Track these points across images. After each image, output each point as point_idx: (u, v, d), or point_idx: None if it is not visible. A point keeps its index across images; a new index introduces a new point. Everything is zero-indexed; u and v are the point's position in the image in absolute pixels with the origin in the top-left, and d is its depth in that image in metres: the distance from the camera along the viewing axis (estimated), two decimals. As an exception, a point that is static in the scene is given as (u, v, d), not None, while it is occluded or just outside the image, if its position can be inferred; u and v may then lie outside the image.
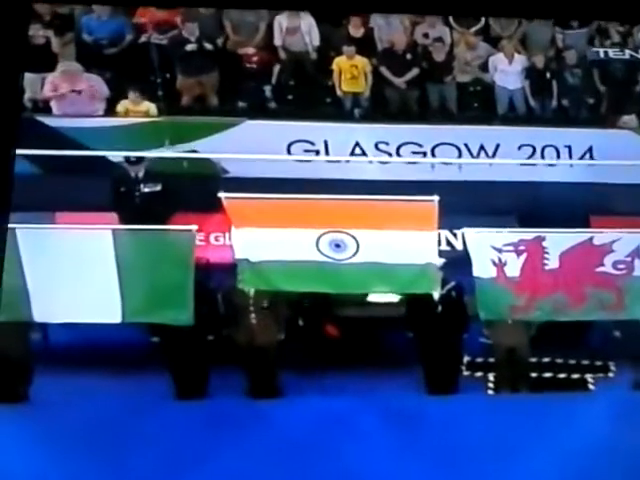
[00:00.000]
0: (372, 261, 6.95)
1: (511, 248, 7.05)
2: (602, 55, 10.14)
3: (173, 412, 6.68)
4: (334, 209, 7.00)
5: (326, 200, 6.99)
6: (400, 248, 6.92)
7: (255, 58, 9.34)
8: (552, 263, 7.04)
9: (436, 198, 7.02)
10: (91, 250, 6.66)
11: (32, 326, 6.85)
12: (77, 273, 6.62)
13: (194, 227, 6.85)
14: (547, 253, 7.04)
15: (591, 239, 7.09)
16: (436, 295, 7.21)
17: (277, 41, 9.61)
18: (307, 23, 9.65)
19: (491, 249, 7.05)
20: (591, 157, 9.00)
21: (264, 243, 6.84)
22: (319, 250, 6.90)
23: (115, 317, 6.74)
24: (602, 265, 7.07)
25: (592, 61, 10.05)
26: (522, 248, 7.04)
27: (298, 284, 7.01)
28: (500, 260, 7.02)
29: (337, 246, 6.94)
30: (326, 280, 6.99)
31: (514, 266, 7.04)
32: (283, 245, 6.85)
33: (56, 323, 6.72)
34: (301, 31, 9.60)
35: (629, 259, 7.08)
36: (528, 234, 7.11)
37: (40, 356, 6.89)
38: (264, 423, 6.63)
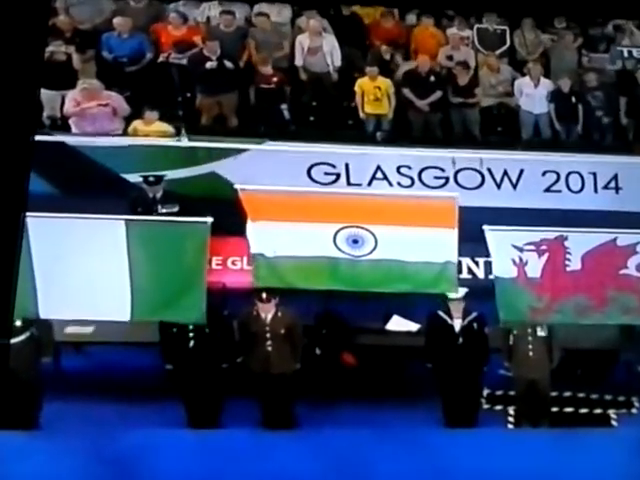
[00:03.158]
0: (390, 258, 6.76)
1: (532, 247, 6.85)
2: (628, 79, 10.05)
3: (185, 441, 6.46)
4: (352, 204, 6.83)
5: (344, 195, 6.85)
6: (419, 246, 6.74)
7: (276, 78, 9.21)
8: (574, 264, 6.84)
9: (457, 195, 6.85)
10: (103, 242, 6.41)
11: (43, 349, 6.67)
12: (87, 266, 6.38)
13: (209, 219, 6.57)
14: (569, 253, 6.83)
15: (614, 240, 6.87)
16: (457, 326, 7.05)
17: (298, 61, 9.52)
18: (329, 43, 9.56)
19: (512, 248, 6.84)
20: (616, 185, 8.84)
21: (280, 237, 6.65)
22: (336, 245, 6.71)
23: (124, 315, 6.49)
24: (625, 267, 6.85)
25: (617, 85, 9.97)
26: (544, 248, 6.83)
27: (314, 281, 6.80)
28: (521, 259, 6.82)
29: (355, 242, 6.74)
30: (342, 277, 6.80)
31: (535, 266, 6.84)
32: (299, 240, 6.67)
33: (68, 348, 6.57)
34: (323, 51, 9.50)
35: None
36: (550, 233, 6.90)
37: (51, 381, 6.71)
38: (278, 455, 6.39)
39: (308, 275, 6.73)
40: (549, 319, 6.95)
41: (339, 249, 6.72)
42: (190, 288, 6.52)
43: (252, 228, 6.71)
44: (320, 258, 6.70)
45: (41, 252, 6.33)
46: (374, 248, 6.74)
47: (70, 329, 7.00)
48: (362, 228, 6.73)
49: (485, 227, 6.85)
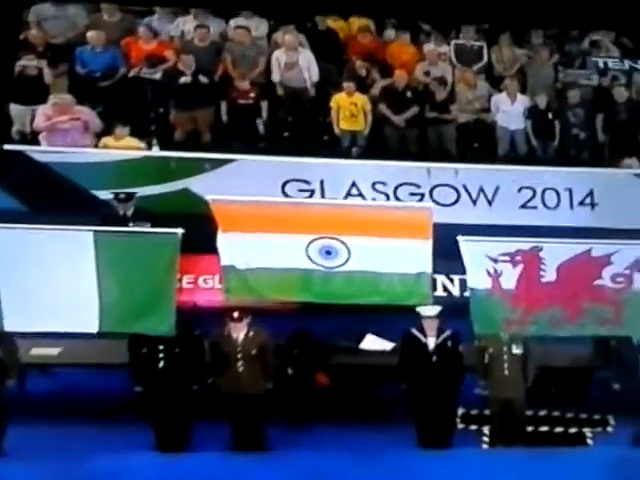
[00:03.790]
0: (364, 270, 6.63)
1: (507, 258, 6.73)
2: (604, 96, 10.04)
3: (154, 465, 6.26)
4: (325, 215, 6.71)
5: (317, 206, 6.74)
6: (393, 257, 6.62)
7: (252, 94, 9.11)
8: (549, 275, 6.74)
9: (431, 205, 6.72)
10: (70, 253, 6.26)
11: (7, 371, 6.47)
12: (54, 278, 6.22)
13: (180, 230, 6.43)
14: (544, 264, 6.73)
15: (589, 251, 6.77)
16: (431, 344, 6.96)
17: (275, 76, 9.42)
18: (306, 58, 9.47)
19: (486, 259, 6.72)
20: (592, 201, 8.80)
21: (251, 249, 6.52)
22: (309, 257, 6.58)
23: (92, 326, 6.31)
24: (600, 278, 6.76)
25: (594, 101, 9.95)
26: (518, 258, 6.72)
27: (286, 293, 6.68)
28: (496, 271, 6.71)
29: (328, 253, 6.61)
30: (315, 289, 6.66)
31: (510, 277, 6.72)
32: (271, 251, 6.53)
33: (33, 369, 6.38)
34: (300, 66, 9.40)
35: (628, 272, 6.77)
36: (525, 244, 6.79)
37: (15, 405, 6.52)
38: (249, 478, 6.21)
39: (280, 287, 6.61)
40: (524, 331, 6.87)
41: (312, 260, 6.60)
42: (160, 300, 6.40)
43: (223, 239, 6.57)
44: (292, 270, 6.58)
45: (6, 265, 6.20)
46: (347, 259, 6.62)
47: (36, 350, 6.85)
48: (335, 239, 6.61)
49: (459, 237, 6.75)
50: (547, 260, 6.76)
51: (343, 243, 6.60)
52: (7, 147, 7.76)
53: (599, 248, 6.80)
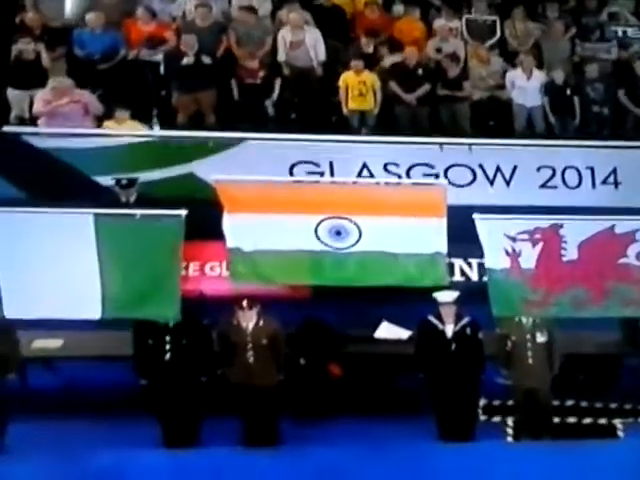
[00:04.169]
0: (375, 250, 6.30)
1: (526, 237, 6.35)
2: (625, 69, 9.64)
3: (161, 462, 5.99)
4: (335, 195, 6.39)
5: (326, 185, 6.50)
6: (406, 236, 6.29)
7: (258, 73, 8.75)
8: (570, 254, 6.36)
9: (445, 183, 6.42)
10: (70, 237, 5.98)
11: (8, 365, 6.18)
12: (54, 263, 5.94)
13: (183, 212, 6.12)
14: (565, 242, 6.35)
15: (612, 228, 6.38)
16: (449, 331, 6.62)
17: (281, 56, 9.06)
18: (312, 36, 9.11)
19: (504, 237, 6.34)
20: (615, 179, 8.41)
21: (258, 230, 6.20)
22: (318, 238, 6.25)
23: (95, 312, 6.03)
24: (625, 256, 6.37)
25: (614, 75, 9.54)
26: (538, 237, 6.35)
27: (295, 276, 6.37)
28: (514, 250, 6.33)
29: (337, 233, 6.28)
30: (325, 272, 6.33)
31: (529, 257, 6.35)
32: (279, 232, 6.22)
33: (35, 363, 6.08)
34: (306, 45, 9.04)
35: None
36: (544, 221, 6.42)
37: (17, 399, 6.21)
38: (261, 474, 5.93)
39: (289, 270, 6.29)
40: (545, 312, 6.49)
41: (321, 241, 6.27)
42: (164, 284, 6.08)
43: (228, 221, 6.24)
44: (301, 252, 6.25)
45: (5, 251, 5.92)
46: (358, 240, 6.30)
47: (38, 343, 6.58)
48: (345, 219, 6.27)
49: (475, 216, 6.37)
50: (568, 238, 6.37)
51: (354, 223, 6.28)
52: (5, 129, 7.46)
53: (623, 225, 6.41)
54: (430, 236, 6.36)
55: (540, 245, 6.41)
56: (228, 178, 6.29)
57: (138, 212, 6.20)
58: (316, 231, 6.28)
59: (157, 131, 7.72)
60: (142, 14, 8.96)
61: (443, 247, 6.39)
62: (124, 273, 6.05)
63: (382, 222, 6.31)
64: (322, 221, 6.28)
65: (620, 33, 9.68)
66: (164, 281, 6.10)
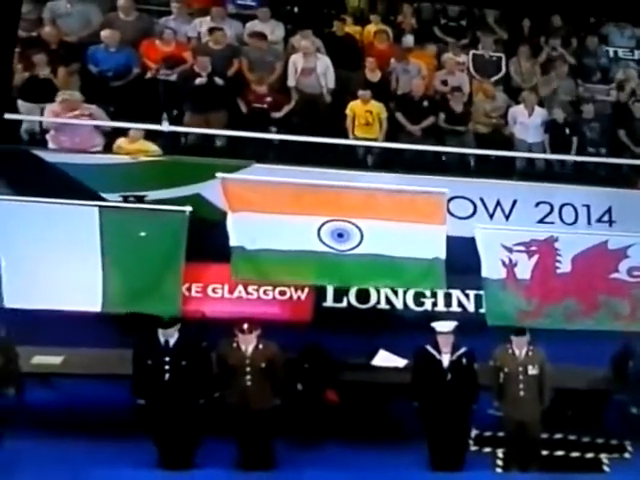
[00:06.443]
0: (376, 253, 6.27)
1: (522, 248, 6.38)
2: (624, 110, 9.58)
3: (156, 482, 5.90)
4: (338, 197, 6.32)
5: (330, 188, 6.32)
6: (406, 241, 6.28)
7: (267, 98, 8.67)
8: (564, 266, 6.39)
9: (446, 190, 6.36)
10: (75, 230, 5.88)
11: (6, 381, 6.02)
12: (57, 254, 5.84)
13: (188, 208, 6.07)
14: (559, 255, 6.37)
15: (605, 242, 6.41)
16: (445, 361, 6.50)
17: (291, 82, 8.96)
18: (323, 64, 9.01)
19: (501, 248, 6.36)
20: (610, 218, 8.36)
21: (261, 230, 6.15)
22: (320, 239, 6.21)
23: (95, 305, 5.94)
24: (616, 271, 6.41)
25: (612, 116, 9.50)
26: (534, 249, 6.38)
27: (296, 276, 6.33)
28: (510, 260, 6.36)
29: (340, 236, 6.25)
30: (326, 272, 6.31)
31: (525, 268, 6.38)
32: (282, 233, 6.17)
33: (33, 379, 5.93)
34: (316, 72, 8.95)
35: None
36: (540, 233, 6.45)
37: (13, 416, 6.06)
38: (254, 498, 5.89)
39: (290, 270, 6.23)
40: (538, 323, 6.47)
41: (323, 243, 6.23)
42: (166, 279, 5.99)
43: (232, 220, 6.17)
44: (303, 252, 6.20)
45: (9, 239, 5.81)
46: (360, 242, 6.27)
47: (37, 359, 6.40)
48: (348, 222, 6.24)
49: (475, 224, 6.49)
50: (562, 251, 6.40)
51: (356, 226, 6.24)
52: (14, 147, 7.30)
53: (615, 240, 6.45)
54: (430, 242, 6.33)
55: (535, 257, 6.42)
56: (234, 177, 6.21)
57: (144, 207, 6.08)
58: (319, 233, 6.24)
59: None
60: (166, 34, 8.81)
61: (442, 253, 6.36)
62: (126, 267, 5.94)
63: (383, 226, 6.29)
64: (325, 223, 6.25)
65: (621, 75, 9.66)
66: (166, 277, 5.99)
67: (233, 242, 6.14)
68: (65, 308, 5.95)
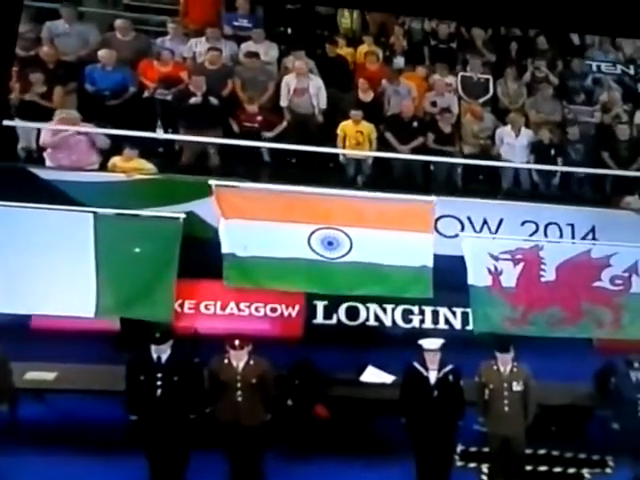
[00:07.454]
0: (365, 261, 6.39)
1: (508, 256, 6.51)
2: (607, 132, 9.68)
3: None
4: (328, 205, 6.45)
5: (321, 196, 6.43)
6: (394, 249, 6.40)
7: (259, 117, 8.72)
8: (549, 274, 6.51)
9: (434, 199, 6.45)
10: (69, 236, 5.93)
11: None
12: (51, 260, 5.89)
13: (182, 215, 6.14)
14: (544, 264, 6.49)
15: (589, 252, 6.57)
16: (432, 378, 6.53)
17: (283, 102, 9.01)
18: (315, 85, 9.08)
19: (487, 256, 6.48)
20: (593, 236, 8.44)
21: (253, 237, 6.24)
22: (310, 247, 6.32)
23: (88, 311, 5.97)
24: (599, 280, 6.54)
25: (596, 137, 9.59)
26: (519, 257, 6.50)
27: (286, 282, 6.40)
28: (496, 268, 6.48)
29: (330, 244, 6.37)
30: (316, 279, 6.40)
31: (510, 276, 6.49)
32: (273, 240, 6.26)
33: (26, 395, 5.91)
34: (309, 92, 9.01)
35: (627, 275, 6.54)
36: (526, 242, 6.58)
37: (6, 431, 6.03)
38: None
39: (280, 276, 6.32)
40: (523, 331, 6.55)
41: (313, 251, 6.34)
42: (159, 285, 6.03)
43: (224, 227, 6.26)
44: (294, 259, 6.30)
45: (3, 245, 5.85)
46: (349, 250, 6.37)
47: (31, 374, 6.37)
48: (337, 230, 6.35)
49: (461, 234, 6.60)
50: (547, 259, 6.52)
51: (345, 234, 6.33)
52: (11, 164, 7.34)
53: (599, 249, 6.59)
54: (417, 250, 6.44)
55: (521, 265, 6.55)
56: (226, 184, 6.28)
57: (138, 213, 6.12)
58: (309, 240, 6.34)
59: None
60: (165, 55, 8.86)
61: (429, 261, 6.46)
62: (120, 273, 5.96)
63: (372, 234, 6.40)
64: (315, 231, 6.35)
65: (605, 97, 9.77)
66: (159, 283, 6.03)
67: (225, 249, 6.24)
68: (59, 314, 5.97)
